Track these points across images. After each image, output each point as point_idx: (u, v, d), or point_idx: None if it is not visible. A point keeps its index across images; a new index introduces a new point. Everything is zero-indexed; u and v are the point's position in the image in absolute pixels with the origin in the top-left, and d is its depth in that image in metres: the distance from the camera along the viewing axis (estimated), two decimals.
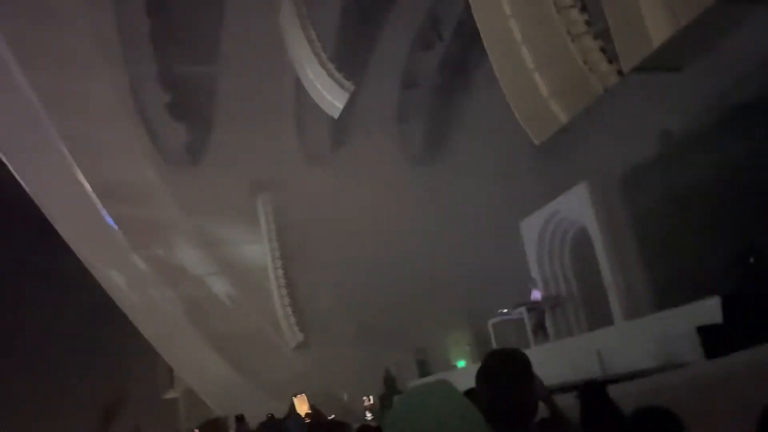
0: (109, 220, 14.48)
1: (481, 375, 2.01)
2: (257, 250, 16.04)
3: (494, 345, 12.58)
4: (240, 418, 8.17)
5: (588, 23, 8.23)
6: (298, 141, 16.61)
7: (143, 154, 15.28)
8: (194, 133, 15.83)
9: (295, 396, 9.80)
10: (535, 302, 12.13)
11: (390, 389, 13.94)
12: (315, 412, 8.41)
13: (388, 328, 14.50)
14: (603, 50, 8.02)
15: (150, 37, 14.73)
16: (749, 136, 10.86)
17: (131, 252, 14.73)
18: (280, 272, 15.29)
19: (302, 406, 9.56)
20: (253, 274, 15.84)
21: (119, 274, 14.82)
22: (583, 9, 8.22)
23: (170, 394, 18.72)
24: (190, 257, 15.74)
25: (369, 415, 12.91)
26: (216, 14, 14.96)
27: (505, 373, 1.99)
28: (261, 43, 14.60)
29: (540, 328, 11.89)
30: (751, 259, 8.44)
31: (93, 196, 14.21)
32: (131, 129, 14.98)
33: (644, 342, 8.34)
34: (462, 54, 15.39)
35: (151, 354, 15.24)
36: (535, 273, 13.21)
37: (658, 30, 6.74)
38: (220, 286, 15.77)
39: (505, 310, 12.42)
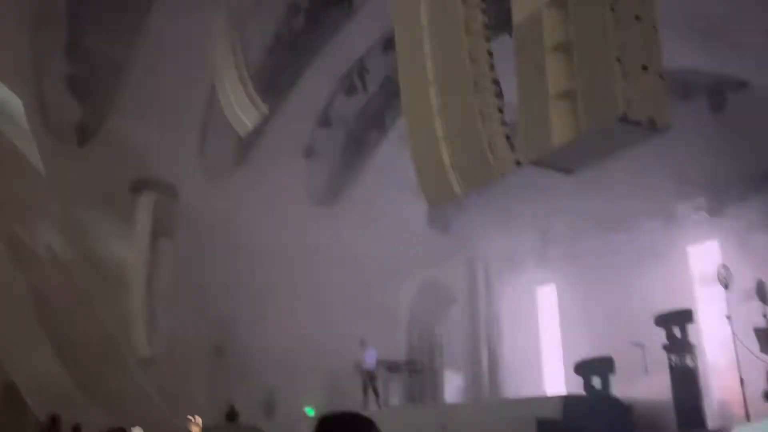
0: None
1: None
2: (126, 249, 15.05)
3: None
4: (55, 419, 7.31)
5: (500, 110, 8.55)
6: (199, 149, 15.99)
7: (27, 121, 14.08)
8: (89, 113, 14.84)
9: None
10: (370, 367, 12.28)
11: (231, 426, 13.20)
12: None
13: (243, 361, 13.89)
14: (508, 137, 8.31)
15: (67, 7, 13.82)
16: None
17: None
18: (143, 278, 14.36)
19: None
20: (115, 275, 14.80)
21: None
22: (499, 95, 8.56)
23: None
24: (51, 243, 14.49)
25: None
26: (145, 2, 14.32)
27: None
28: (184, 42, 14.06)
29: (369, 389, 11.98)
30: (595, 364, 9.04)
31: None
32: (19, 92, 13.80)
33: (487, 422, 8.53)
34: (382, 108, 15.65)
35: None
36: (403, 333, 13.33)
37: (560, 133, 7.08)
38: (77, 281, 14.56)
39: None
